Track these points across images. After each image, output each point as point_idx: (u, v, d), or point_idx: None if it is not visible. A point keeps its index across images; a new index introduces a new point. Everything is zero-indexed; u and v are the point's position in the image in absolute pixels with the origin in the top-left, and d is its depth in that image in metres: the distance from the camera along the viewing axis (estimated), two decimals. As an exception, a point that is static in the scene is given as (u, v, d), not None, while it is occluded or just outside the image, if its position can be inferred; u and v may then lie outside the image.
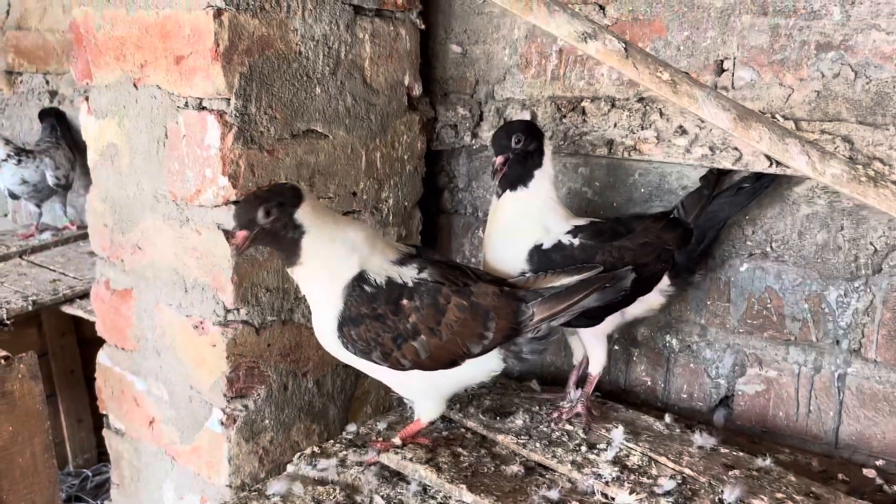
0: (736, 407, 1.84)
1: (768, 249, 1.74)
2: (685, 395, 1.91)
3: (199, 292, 1.74)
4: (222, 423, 1.75)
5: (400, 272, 1.45)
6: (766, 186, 1.66)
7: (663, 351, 1.92)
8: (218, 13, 1.56)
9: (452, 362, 1.46)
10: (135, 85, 1.76)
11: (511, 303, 1.45)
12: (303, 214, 1.39)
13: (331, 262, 1.43)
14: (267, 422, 1.80)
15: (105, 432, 2.14)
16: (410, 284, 1.44)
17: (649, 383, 1.96)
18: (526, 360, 1.51)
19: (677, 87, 1.27)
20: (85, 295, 2.36)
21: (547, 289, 1.47)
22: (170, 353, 1.84)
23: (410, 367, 1.45)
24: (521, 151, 1.58)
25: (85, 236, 2.85)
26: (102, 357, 2.07)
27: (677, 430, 1.69)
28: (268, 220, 1.37)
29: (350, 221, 1.47)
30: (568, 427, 1.67)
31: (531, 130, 1.60)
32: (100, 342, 2.08)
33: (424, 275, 1.46)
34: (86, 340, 2.79)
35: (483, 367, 1.50)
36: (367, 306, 1.41)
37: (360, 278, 1.43)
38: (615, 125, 1.82)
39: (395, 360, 1.44)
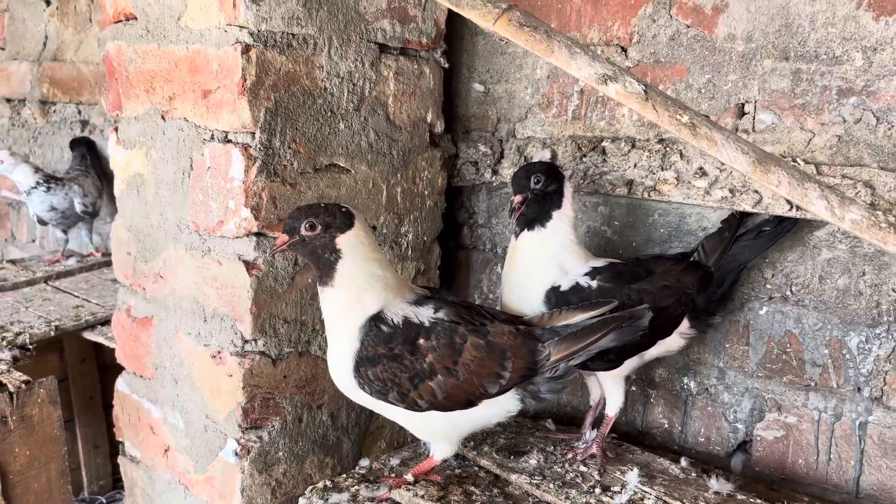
0: (754, 452, 1.81)
1: (788, 293, 1.73)
2: (702, 439, 1.88)
3: (218, 322, 1.76)
4: (236, 454, 1.75)
5: (416, 312, 1.45)
6: (788, 230, 1.65)
7: (681, 393, 1.90)
8: (246, 49, 1.59)
9: (469, 402, 1.46)
10: (163, 117, 1.80)
11: (527, 342, 1.45)
12: (345, 241, 1.41)
13: (361, 294, 1.44)
14: (281, 454, 1.80)
15: (120, 459, 2.15)
16: (427, 324, 1.44)
17: (666, 426, 1.94)
18: (544, 400, 1.50)
19: (696, 129, 1.28)
20: (106, 321, 2.39)
21: (562, 327, 1.46)
22: (187, 382, 1.85)
23: (427, 407, 1.45)
24: (540, 192, 1.59)
25: (109, 263, 2.89)
26: (121, 384, 2.09)
27: (693, 475, 1.66)
28: (310, 233, 1.40)
29: (385, 258, 1.48)
30: (582, 468, 1.65)
31: (551, 171, 1.61)
32: (119, 368, 2.10)
33: (441, 314, 1.46)
34: (105, 366, 2.81)
35: (500, 408, 1.49)
36: (385, 346, 1.42)
37: (378, 318, 1.43)
38: (635, 165, 1.83)
39: (412, 400, 1.44)
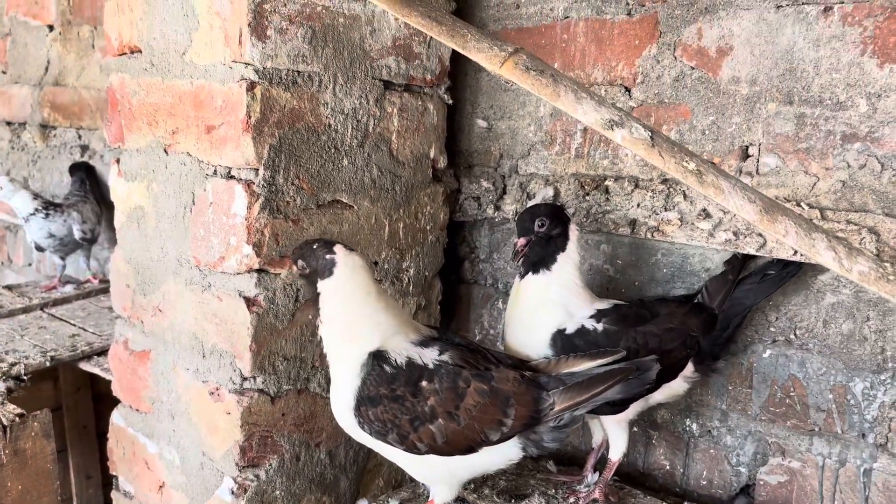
0: (757, 497, 1.79)
1: (792, 337, 1.72)
2: (705, 482, 1.86)
3: (216, 358, 1.74)
4: (233, 493, 1.73)
5: (421, 353, 1.44)
6: (793, 274, 1.64)
7: (683, 435, 1.89)
8: (251, 86, 1.59)
9: (469, 448, 1.44)
10: (165, 151, 1.79)
11: (532, 390, 1.43)
12: (325, 286, 1.44)
13: (347, 332, 1.46)
14: (278, 493, 1.77)
15: (114, 494, 2.12)
16: (431, 366, 1.43)
17: (668, 467, 1.92)
18: (547, 449, 1.48)
19: (703, 177, 1.27)
20: (103, 352, 2.36)
21: (568, 374, 1.45)
22: (184, 418, 1.83)
23: (426, 451, 1.43)
24: (544, 235, 1.58)
25: (106, 290, 2.88)
26: (116, 417, 2.06)
27: (697, 521, 1.64)
28: (301, 272, 1.48)
29: (379, 297, 1.48)
30: (584, 513, 1.63)
31: (556, 214, 1.61)
32: (114, 397, 2.08)
33: (445, 357, 1.44)
34: (100, 395, 2.78)
35: (502, 455, 1.47)
36: (387, 387, 1.40)
37: (381, 357, 1.42)
38: (638, 205, 1.83)
39: (411, 443, 1.42)
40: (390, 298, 1.52)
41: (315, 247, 1.46)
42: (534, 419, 1.43)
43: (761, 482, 1.78)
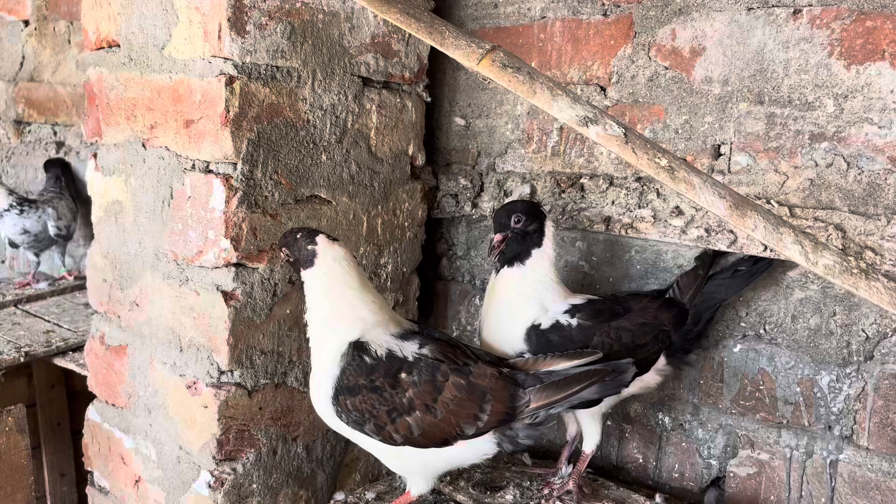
0: (728, 489, 1.82)
1: (762, 331, 1.76)
2: (676, 475, 1.90)
3: (194, 352, 1.74)
4: (210, 486, 1.73)
5: (401, 346, 1.46)
6: (763, 270, 1.68)
7: (656, 428, 1.92)
8: (230, 81, 1.60)
9: (444, 441, 1.45)
10: (143, 145, 1.79)
11: (508, 386, 1.45)
12: (307, 275, 1.50)
13: (328, 322, 1.49)
14: (255, 486, 1.78)
15: (89, 490, 2.11)
16: (410, 359, 1.45)
17: (641, 460, 1.95)
18: (521, 445, 1.49)
19: (675, 173, 1.30)
20: (78, 348, 2.35)
21: (545, 373, 1.47)
22: (161, 412, 1.83)
23: (402, 442, 1.45)
24: (520, 231, 1.61)
25: (81, 287, 2.86)
26: (92, 412, 2.05)
27: (668, 512, 1.68)
28: (286, 260, 1.55)
29: (362, 289, 1.50)
30: (558, 504, 1.66)
31: (532, 211, 1.63)
32: (88, 394, 2.07)
33: (425, 351, 1.46)
34: (75, 392, 2.77)
35: (476, 450, 1.49)
36: (366, 377, 1.42)
37: (361, 348, 1.44)
38: (613, 203, 1.86)
39: (387, 434, 1.44)
40: (373, 290, 1.53)
41: (298, 236, 1.50)
42: (509, 415, 1.44)
43: (731, 474, 1.82)
